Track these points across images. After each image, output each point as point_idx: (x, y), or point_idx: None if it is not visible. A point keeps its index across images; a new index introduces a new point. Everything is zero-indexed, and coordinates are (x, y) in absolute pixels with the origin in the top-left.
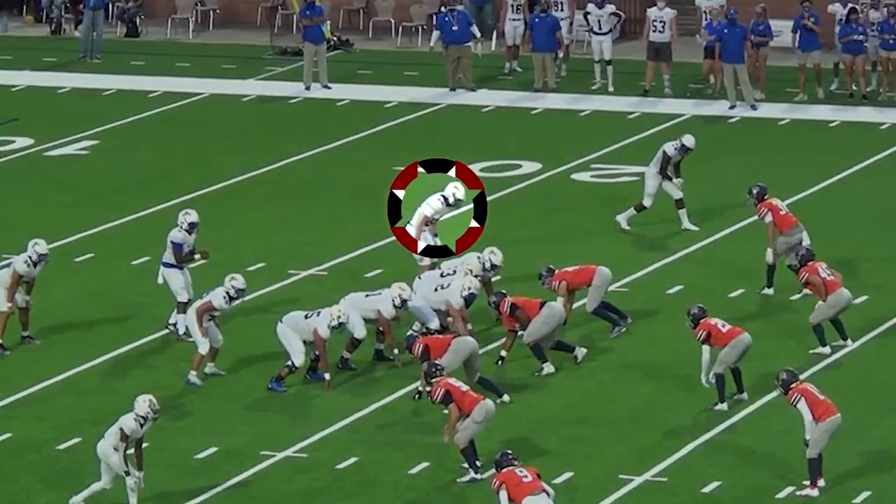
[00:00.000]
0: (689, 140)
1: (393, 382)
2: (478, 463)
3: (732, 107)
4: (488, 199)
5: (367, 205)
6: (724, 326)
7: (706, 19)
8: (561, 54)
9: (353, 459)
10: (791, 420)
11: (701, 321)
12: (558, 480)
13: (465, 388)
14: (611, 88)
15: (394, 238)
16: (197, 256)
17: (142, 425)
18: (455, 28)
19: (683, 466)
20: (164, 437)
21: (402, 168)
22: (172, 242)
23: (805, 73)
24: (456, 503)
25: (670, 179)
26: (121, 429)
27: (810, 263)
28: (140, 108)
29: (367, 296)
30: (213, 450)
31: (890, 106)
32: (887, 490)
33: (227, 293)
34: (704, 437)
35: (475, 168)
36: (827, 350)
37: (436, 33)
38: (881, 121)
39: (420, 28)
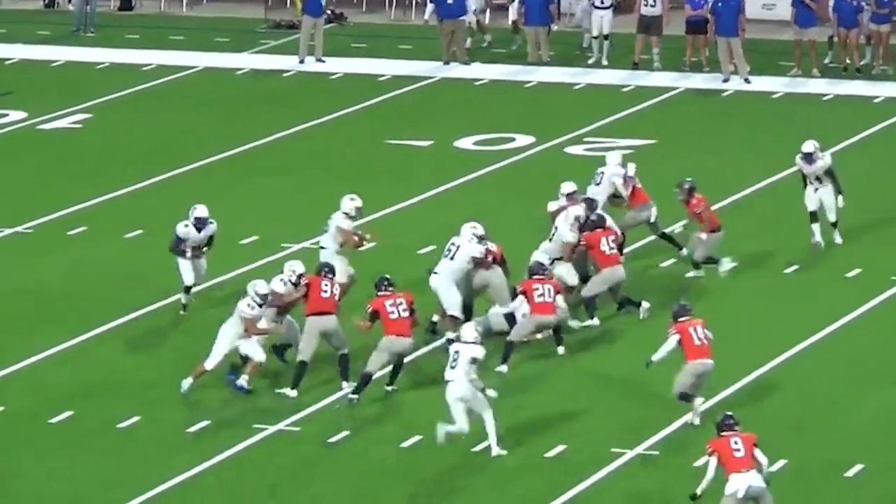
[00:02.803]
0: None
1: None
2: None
3: (726, 80)
4: (482, 171)
5: (360, 178)
6: (698, 340)
7: None
8: (555, 27)
9: (344, 433)
10: (782, 391)
11: (679, 320)
12: (550, 454)
13: None
14: (605, 62)
15: (386, 211)
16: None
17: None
18: (450, 1)
19: (675, 440)
20: (155, 410)
21: (396, 142)
22: (176, 234)
23: (801, 48)
24: (447, 476)
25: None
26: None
27: (597, 231)
28: (134, 81)
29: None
30: (205, 423)
31: (883, 80)
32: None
33: (251, 302)
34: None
35: (469, 141)
36: (595, 322)
37: (430, 6)
38: (874, 94)
39: (414, 1)
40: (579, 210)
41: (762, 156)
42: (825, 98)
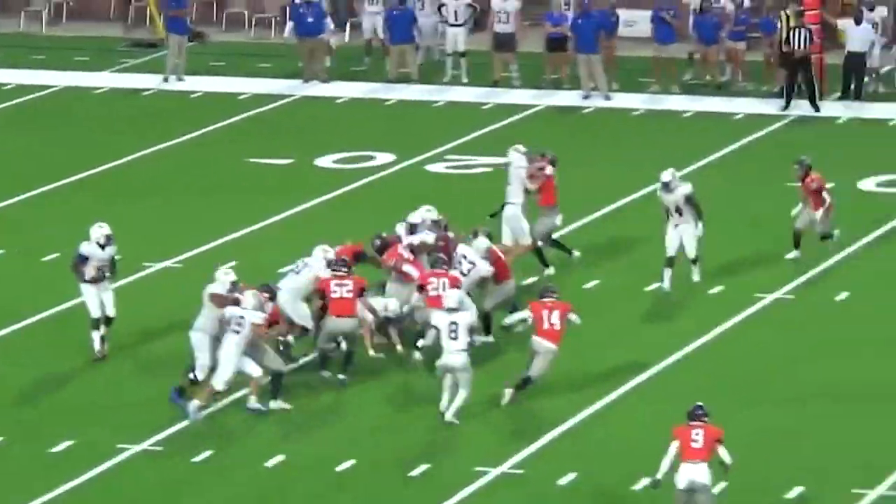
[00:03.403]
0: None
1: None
2: None
3: (586, 97)
4: (342, 190)
5: (220, 197)
6: (548, 324)
7: (563, 8)
8: (419, 47)
9: (207, 453)
10: (647, 412)
11: (541, 300)
12: (415, 473)
13: None
14: (465, 80)
15: (248, 230)
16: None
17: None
18: (310, 20)
19: (540, 458)
20: (21, 432)
21: (256, 161)
22: (78, 253)
23: (660, 65)
24: (314, 498)
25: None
26: None
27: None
28: None
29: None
30: (68, 443)
31: (742, 96)
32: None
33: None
34: (562, 427)
35: (329, 160)
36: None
37: (290, 24)
38: (734, 111)
39: (274, 19)
40: (427, 237)
41: (623, 172)
42: (685, 115)
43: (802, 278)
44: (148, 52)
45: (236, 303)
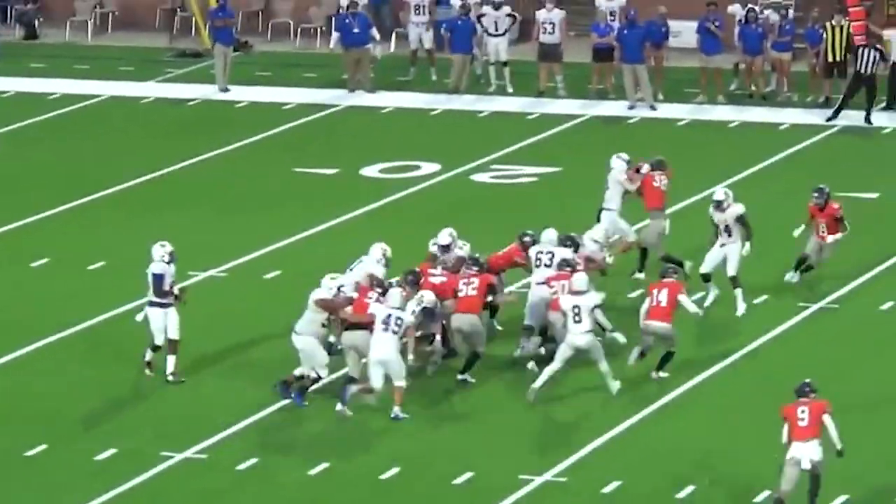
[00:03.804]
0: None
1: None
2: None
3: (631, 107)
4: (387, 200)
5: (266, 206)
6: (654, 302)
7: (609, 18)
8: (475, 58)
9: (253, 460)
10: (692, 420)
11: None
12: (459, 481)
13: None
14: (510, 90)
15: (293, 239)
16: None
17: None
18: (356, 30)
19: (584, 466)
20: (65, 439)
21: (302, 170)
22: (153, 274)
23: (706, 76)
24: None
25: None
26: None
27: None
28: (39, 110)
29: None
30: (112, 451)
31: (788, 106)
32: None
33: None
34: (606, 436)
35: (374, 169)
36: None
37: (335, 35)
38: (779, 121)
39: (319, 30)
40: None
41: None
42: (731, 125)
43: (846, 288)
44: (193, 62)
45: (349, 303)
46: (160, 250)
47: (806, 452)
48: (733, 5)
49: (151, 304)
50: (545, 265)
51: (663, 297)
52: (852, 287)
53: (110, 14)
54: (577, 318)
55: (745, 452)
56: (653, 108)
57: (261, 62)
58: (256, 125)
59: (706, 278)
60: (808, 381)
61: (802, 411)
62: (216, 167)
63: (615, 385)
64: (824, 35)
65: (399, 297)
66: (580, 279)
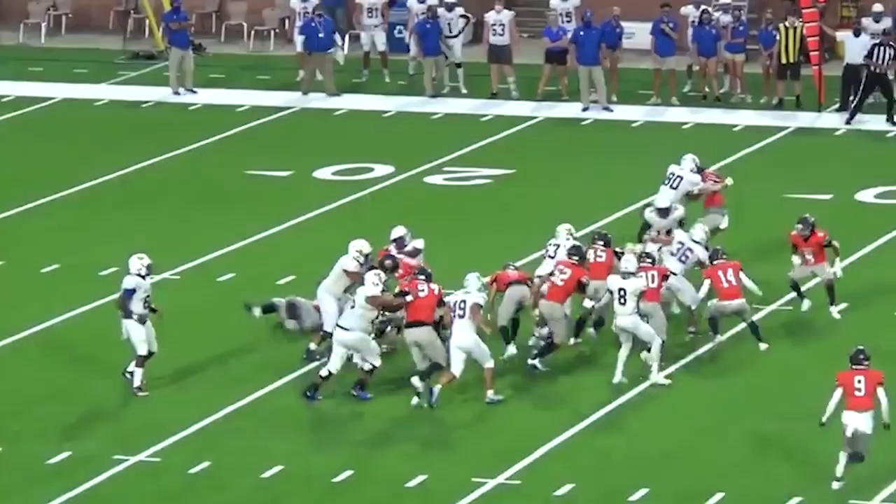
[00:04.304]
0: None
1: (246, 387)
2: None
3: (585, 109)
4: (341, 202)
5: (219, 208)
6: (726, 283)
7: (561, 21)
8: (447, 58)
9: (206, 463)
10: (646, 423)
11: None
12: (412, 483)
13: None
14: (463, 91)
15: (247, 242)
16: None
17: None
18: (321, 35)
19: (537, 469)
20: (17, 443)
21: (255, 173)
22: (125, 289)
23: (660, 77)
24: None
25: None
26: None
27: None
28: None
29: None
30: (65, 455)
31: (741, 108)
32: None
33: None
34: (559, 438)
35: (328, 171)
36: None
37: (300, 38)
38: (733, 122)
39: (272, 32)
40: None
41: (622, 184)
42: (685, 126)
43: (803, 289)
44: (147, 64)
45: (401, 304)
46: (137, 263)
47: (858, 423)
48: (687, 7)
49: (132, 318)
50: (549, 256)
51: (731, 276)
52: (806, 289)
53: (64, 16)
54: (622, 301)
55: (700, 455)
56: (607, 109)
57: (214, 64)
58: (210, 127)
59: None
60: (861, 347)
61: (859, 381)
62: (170, 169)
63: (655, 376)
64: (778, 36)
65: (475, 281)
66: (629, 261)
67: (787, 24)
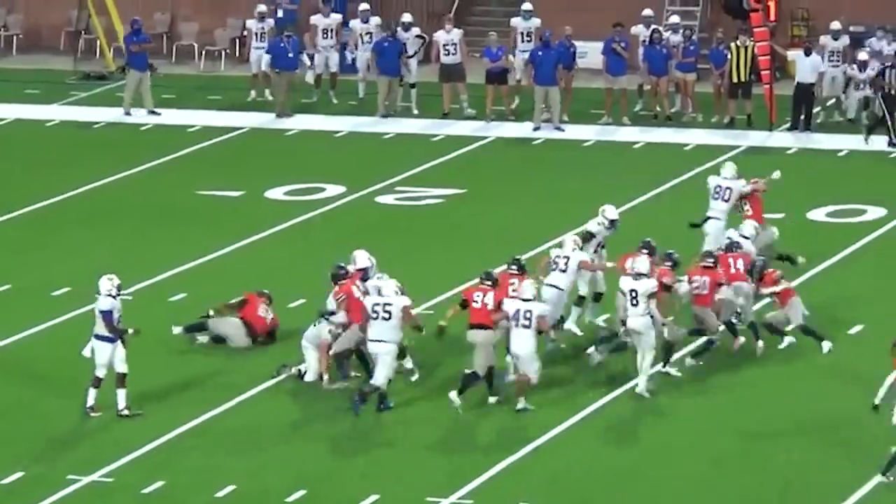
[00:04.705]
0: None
1: (199, 406)
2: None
3: (537, 128)
4: (293, 221)
5: (171, 229)
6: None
7: (522, 40)
8: (403, 78)
9: (160, 483)
10: (599, 440)
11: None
12: (364, 503)
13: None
14: (415, 111)
15: (198, 262)
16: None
17: None
18: (290, 55)
19: (490, 487)
20: None
21: (207, 193)
22: (101, 311)
23: (612, 97)
24: None
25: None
26: None
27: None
28: None
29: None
30: (18, 475)
31: (692, 127)
32: None
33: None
34: (513, 457)
35: (279, 191)
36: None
37: (267, 58)
38: (684, 142)
39: (223, 52)
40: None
41: (574, 203)
42: (636, 146)
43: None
44: (98, 84)
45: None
46: (107, 284)
47: None
48: (637, 26)
49: (98, 337)
50: (561, 270)
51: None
52: (754, 309)
53: (15, 37)
54: (634, 302)
55: (656, 475)
56: (559, 129)
57: (165, 85)
58: (161, 148)
59: (579, 302)
60: None
61: None
62: (121, 190)
63: (642, 386)
64: (729, 56)
65: (531, 289)
66: (642, 262)
67: (738, 43)
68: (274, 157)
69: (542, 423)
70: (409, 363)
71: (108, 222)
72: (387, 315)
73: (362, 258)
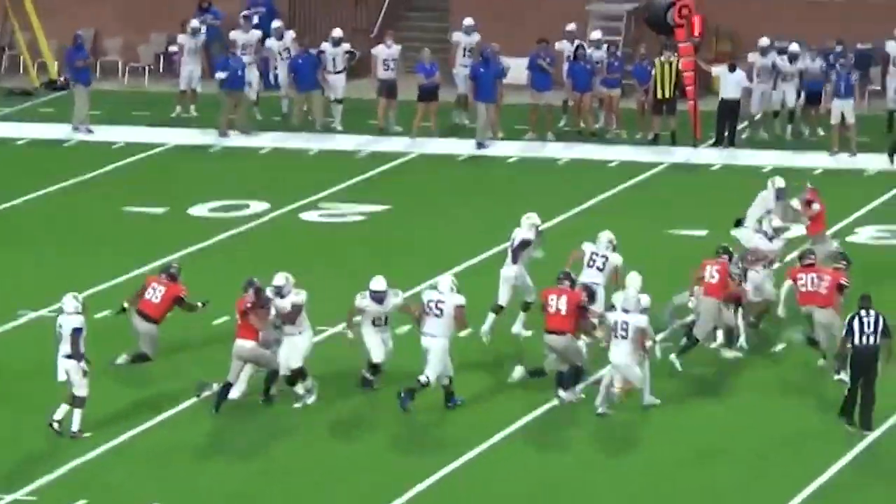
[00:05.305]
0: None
1: (122, 424)
2: None
3: (481, 145)
4: (217, 238)
5: (95, 245)
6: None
7: (464, 55)
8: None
9: (82, 501)
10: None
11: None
12: None
13: None
14: (340, 127)
15: (123, 279)
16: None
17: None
18: (239, 73)
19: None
20: None
21: (131, 209)
22: (74, 329)
23: (537, 113)
24: None
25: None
26: None
27: None
28: None
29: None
30: None
31: (617, 143)
32: None
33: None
34: (431, 478)
35: (203, 208)
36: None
37: (220, 75)
38: (609, 158)
39: (147, 68)
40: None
41: (498, 219)
42: (560, 162)
43: (672, 328)
44: (22, 100)
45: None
46: (73, 302)
47: None
48: (561, 42)
49: (66, 356)
50: (598, 269)
51: (819, 284)
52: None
53: None
54: (623, 335)
55: (563, 497)
56: (482, 146)
57: (90, 101)
58: (86, 164)
59: (497, 310)
60: None
61: None
62: (46, 206)
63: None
64: (653, 71)
65: (634, 299)
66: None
67: (662, 58)
68: (198, 174)
69: (476, 432)
70: (301, 389)
71: (33, 239)
72: (438, 312)
73: (278, 277)
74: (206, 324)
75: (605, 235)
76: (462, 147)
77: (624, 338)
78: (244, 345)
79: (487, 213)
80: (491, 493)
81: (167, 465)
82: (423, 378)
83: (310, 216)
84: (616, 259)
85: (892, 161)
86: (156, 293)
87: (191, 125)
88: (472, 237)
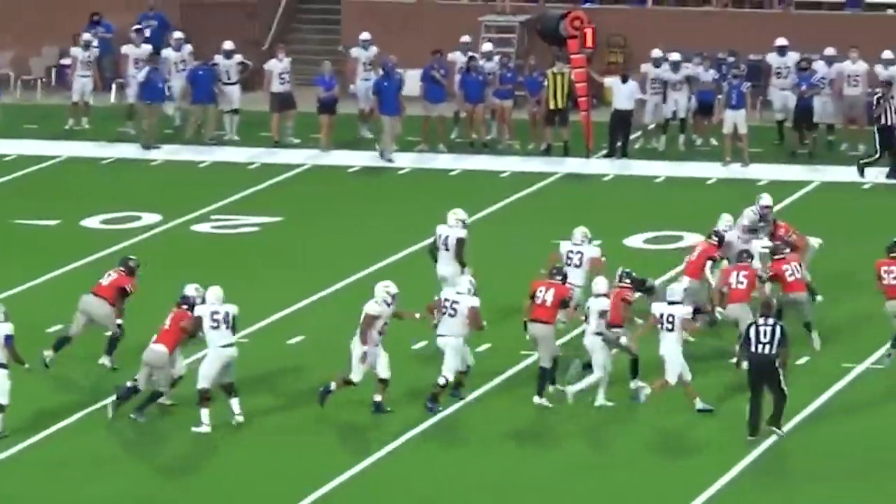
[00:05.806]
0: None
1: (20, 434)
2: None
3: (389, 159)
4: (109, 250)
5: None
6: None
7: (364, 69)
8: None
9: None
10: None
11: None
12: None
13: None
14: (236, 137)
15: (14, 291)
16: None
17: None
18: (160, 85)
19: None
20: None
21: (22, 222)
22: (6, 336)
23: (429, 124)
24: None
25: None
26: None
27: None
28: None
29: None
30: None
31: (509, 154)
32: None
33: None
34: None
35: (95, 220)
36: None
37: (134, 89)
38: (501, 168)
39: (39, 81)
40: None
41: (390, 231)
42: (452, 173)
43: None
44: None
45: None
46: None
47: None
48: (454, 53)
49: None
50: (575, 265)
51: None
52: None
53: None
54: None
55: (474, 491)
56: (387, 159)
57: None
58: None
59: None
60: None
61: None
62: None
63: (572, 394)
64: (545, 83)
65: (680, 291)
66: (599, 282)
67: (554, 70)
68: (90, 186)
69: (392, 429)
70: (233, 408)
71: None
72: (453, 312)
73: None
74: (98, 335)
75: (579, 230)
76: (359, 159)
77: (670, 330)
78: (158, 349)
79: (380, 225)
80: (487, 488)
81: (68, 473)
82: (441, 380)
83: (202, 227)
84: (592, 251)
85: (861, 174)
86: (108, 278)
87: (84, 137)
88: (364, 248)
